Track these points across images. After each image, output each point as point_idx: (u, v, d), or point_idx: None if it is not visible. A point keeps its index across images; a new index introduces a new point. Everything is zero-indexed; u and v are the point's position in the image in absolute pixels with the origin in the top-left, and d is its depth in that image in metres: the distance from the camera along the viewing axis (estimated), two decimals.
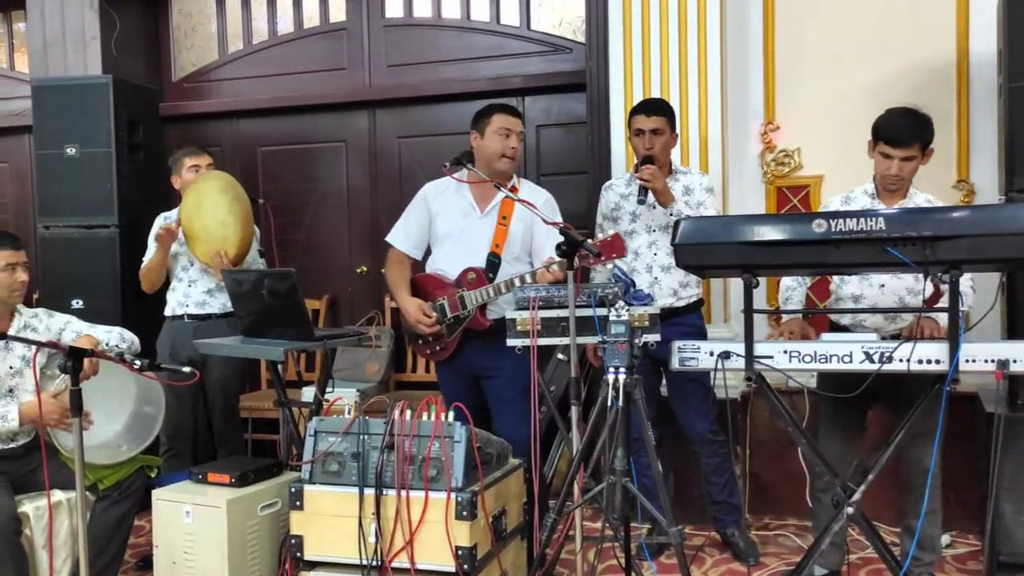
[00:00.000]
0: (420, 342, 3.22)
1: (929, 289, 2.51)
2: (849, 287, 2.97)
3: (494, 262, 3.10)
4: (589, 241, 2.72)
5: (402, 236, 3.31)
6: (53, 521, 2.73)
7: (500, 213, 3.14)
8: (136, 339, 3.03)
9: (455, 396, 2.94)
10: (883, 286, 2.92)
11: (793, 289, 3.07)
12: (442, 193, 3.25)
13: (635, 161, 3.34)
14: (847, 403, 2.66)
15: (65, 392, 2.65)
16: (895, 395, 2.81)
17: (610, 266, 3.35)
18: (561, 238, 2.66)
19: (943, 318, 2.68)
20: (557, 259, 2.80)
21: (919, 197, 2.92)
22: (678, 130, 3.43)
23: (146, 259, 3.75)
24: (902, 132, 2.78)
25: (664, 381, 3.42)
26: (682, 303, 3.32)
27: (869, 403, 2.91)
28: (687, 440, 3.43)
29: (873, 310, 2.89)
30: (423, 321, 3.11)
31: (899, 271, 2.74)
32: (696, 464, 3.46)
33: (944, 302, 2.36)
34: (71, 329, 2.96)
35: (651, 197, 3.18)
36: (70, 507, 2.79)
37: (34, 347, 2.68)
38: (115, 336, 2.96)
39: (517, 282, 2.95)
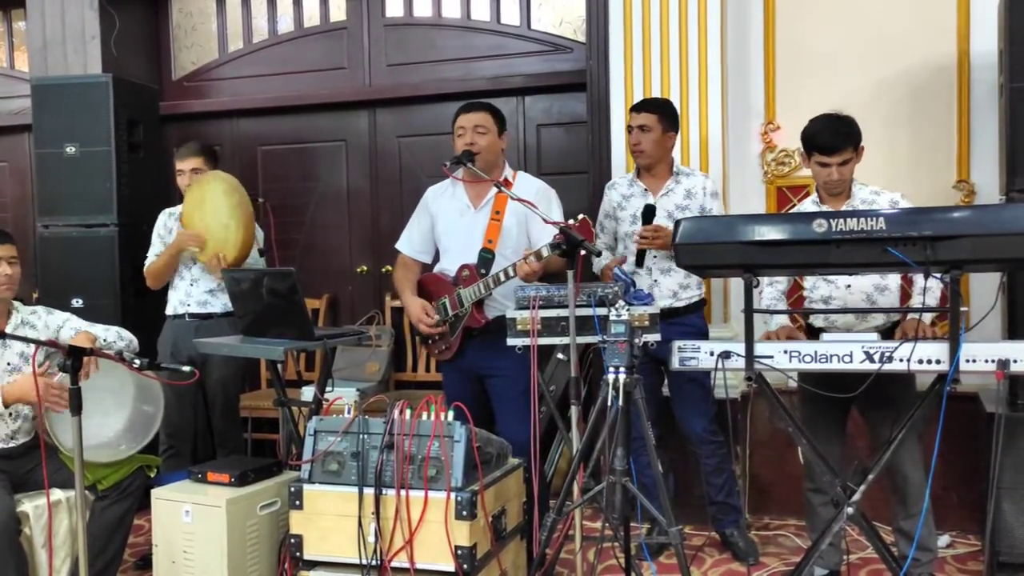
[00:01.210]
0: (428, 342, 3.24)
1: (936, 289, 2.52)
2: (819, 290, 2.98)
3: (487, 257, 3.11)
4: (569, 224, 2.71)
5: (407, 242, 3.36)
6: (52, 520, 2.73)
7: (493, 208, 3.14)
8: (135, 339, 3.03)
9: (459, 397, 2.93)
10: (849, 286, 2.93)
11: (777, 301, 3.08)
12: (441, 195, 3.29)
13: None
14: (828, 404, 2.67)
15: (56, 378, 2.66)
16: (874, 395, 2.80)
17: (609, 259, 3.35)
18: (555, 229, 2.67)
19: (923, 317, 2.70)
20: (544, 254, 2.81)
21: (864, 191, 2.94)
22: (679, 130, 3.43)
23: (151, 255, 3.76)
24: (834, 139, 2.82)
25: (666, 381, 3.42)
26: (681, 304, 3.32)
27: (849, 404, 2.90)
28: (686, 440, 3.43)
29: (876, 310, 2.89)
30: (423, 320, 3.13)
31: (898, 271, 2.74)
32: (696, 464, 3.46)
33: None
34: (69, 327, 2.95)
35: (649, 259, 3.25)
36: (69, 506, 2.79)
37: (33, 345, 2.68)
38: (112, 334, 2.95)
39: (502, 276, 2.96)
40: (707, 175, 3.50)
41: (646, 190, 3.37)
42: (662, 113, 3.32)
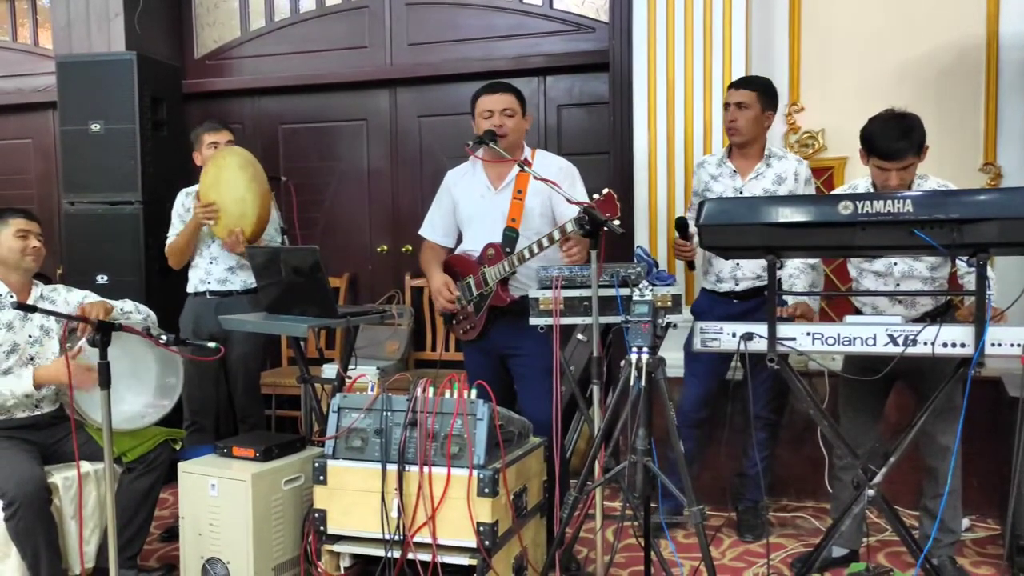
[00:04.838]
0: (453, 322, 3.25)
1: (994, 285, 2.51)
2: (867, 281, 2.96)
3: (511, 236, 3.11)
4: (590, 199, 2.70)
5: (430, 227, 3.37)
6: (82, 492, 2.78)
7: (515, 187, 3.14)
8: (152, 313, 3.07)
9: (480, 376, 2.95)
10: (898, 285, 2.90)
11: (796, 277, 3.06)
12: (462, 178, 3.30)
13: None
14: (869, 382, 2.66)
15: (81, 354, 2.70)
16: (917, 374, 2.80)
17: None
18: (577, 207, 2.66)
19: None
20: (568, 229, 2.80)
21: (925, 186, 2.84)
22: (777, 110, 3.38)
23: (171, 236, 3.78)
24: (896, 150, 2.69)
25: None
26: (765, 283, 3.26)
27: (891, 382, 2.90)
28: (745, 417, 3.37)
29: (895, 293, 2.88)
30: (443, 294, 3.14)
31: (925, 254, 2.72)
32: (717, 447, 3.46)
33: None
34: (88, 302, 2.98)
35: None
36: (97, 478, 2.84)
37: (60, 319, 2.71)
38: (129, 305, 2.99)
39: (527, 254, 2.96)
40: (801, 159, 3.38)
41: (735, 171, 3.32)
42: (762, 91, 3.25)
